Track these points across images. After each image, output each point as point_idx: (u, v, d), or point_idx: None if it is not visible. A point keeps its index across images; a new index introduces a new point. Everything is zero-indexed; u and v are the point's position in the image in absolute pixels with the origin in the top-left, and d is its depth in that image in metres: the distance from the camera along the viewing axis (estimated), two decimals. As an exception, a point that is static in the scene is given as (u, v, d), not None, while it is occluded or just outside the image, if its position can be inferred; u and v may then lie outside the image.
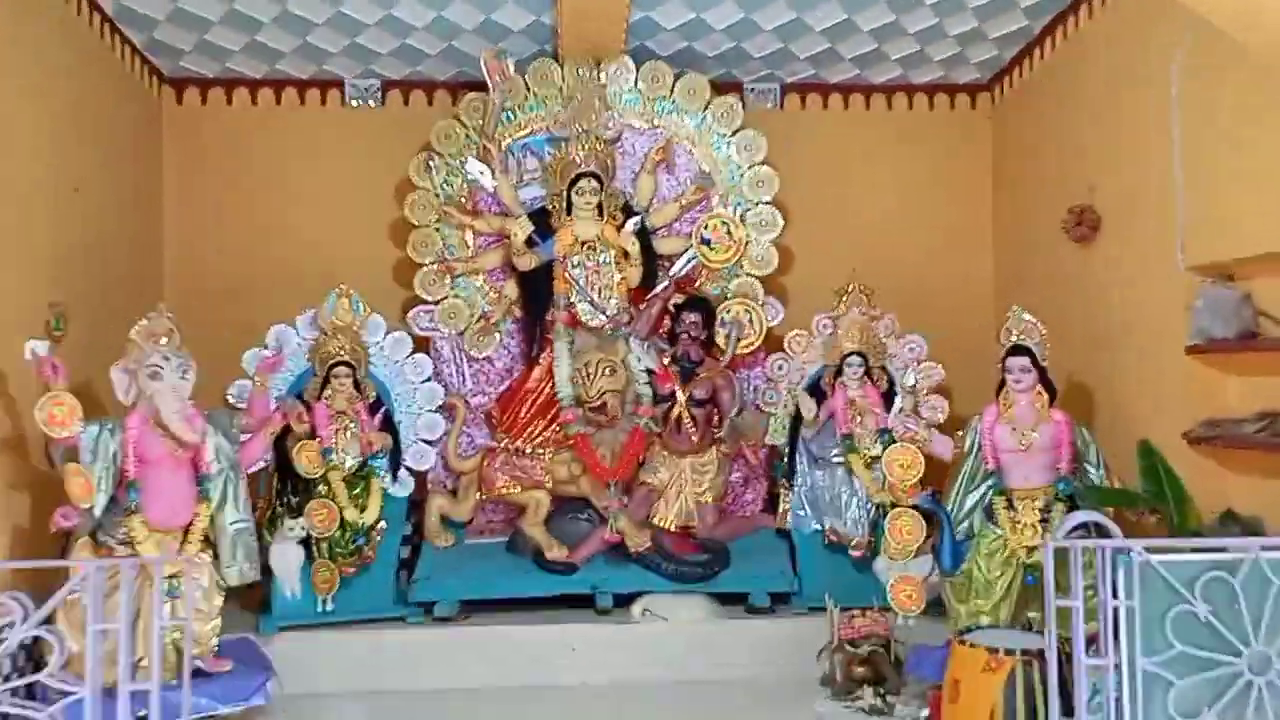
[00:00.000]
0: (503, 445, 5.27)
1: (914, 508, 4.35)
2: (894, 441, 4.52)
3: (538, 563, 5.02)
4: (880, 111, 6.26)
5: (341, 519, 4.73)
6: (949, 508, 4.20)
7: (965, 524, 4.19)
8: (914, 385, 4.78)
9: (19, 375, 3.89)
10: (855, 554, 5.03)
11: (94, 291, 4.80)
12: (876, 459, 4.92)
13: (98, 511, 3.84)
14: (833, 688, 4.40)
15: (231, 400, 4.87)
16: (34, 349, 3.78)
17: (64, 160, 4.59)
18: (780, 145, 5.74)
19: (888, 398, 5.09)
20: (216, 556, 4.11)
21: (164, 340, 3.98)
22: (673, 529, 5.19)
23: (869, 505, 5.08)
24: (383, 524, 4.89)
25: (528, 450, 5.23)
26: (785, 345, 5.44)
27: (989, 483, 4.17)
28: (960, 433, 4.29)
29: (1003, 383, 4.15)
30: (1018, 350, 4.11)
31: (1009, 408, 4.11)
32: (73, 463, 3.77)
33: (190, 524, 4.01)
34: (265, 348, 4.87)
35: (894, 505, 4.48)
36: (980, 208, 6.28)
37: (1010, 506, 4.07)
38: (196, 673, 3.74)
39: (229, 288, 5.75)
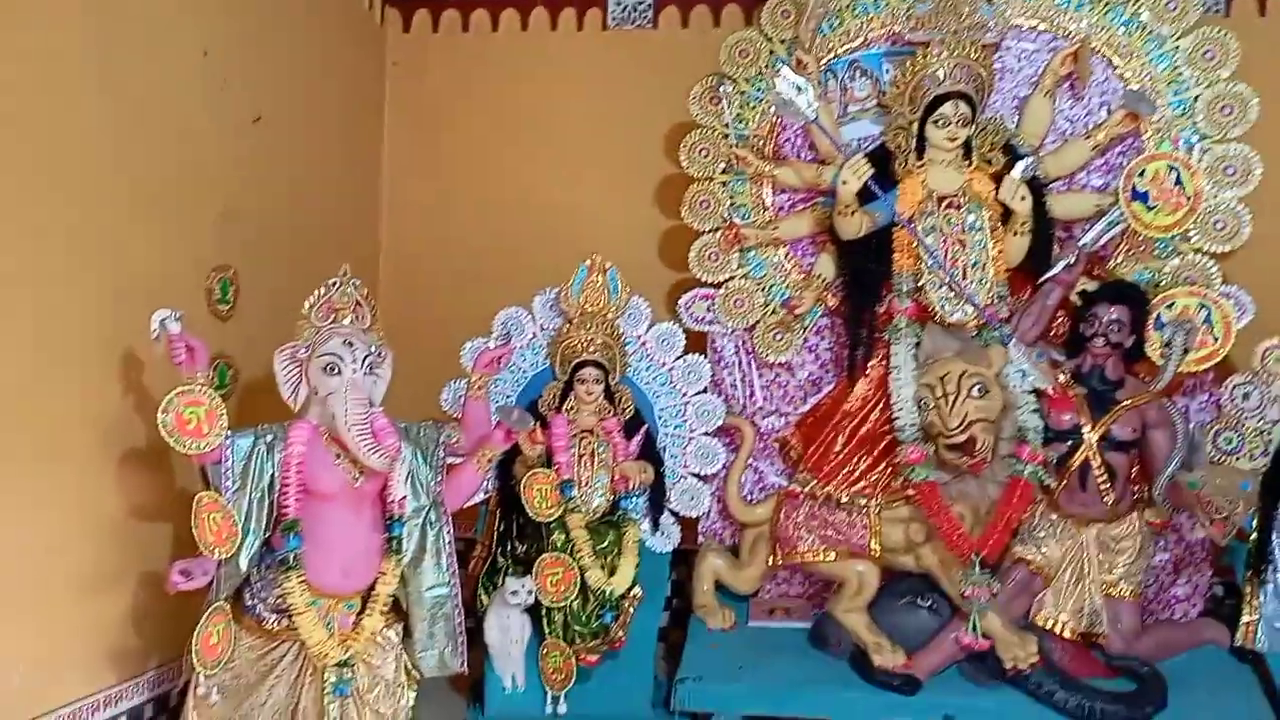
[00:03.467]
0: (807, 490, 3.70)
1: None
2: None
3: (859, 669, 3.43)
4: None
5: (583, 583, 3.37)
6: None
7: None
8: None
9: (161, 364, 2.74)
10: (1397, 709, 3.10)
11: (281, 258, 3.72)
12: None
13: (243, 563, 2.71)
14: None
15: (445, 409, 3.69)
16: (163, 322, 2.64)
17: (251, 97, 3.62)
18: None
19: None
20: (409, 634, 2.94)
21: (347, 320, 2.85)
22: (1069, 636, 3.44)
23: None
24: (637, 591, 3.49)
25: (844, 499, 3.64)
26: (1256, 361, 3.54)
27: None
28: None
29: None
30: None
31: None
32: (207, 493, 2.64)
33: (373, 587, 2.83)
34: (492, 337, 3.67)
35: None
36: None
37: None
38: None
39: (458, 261, 4.57)
